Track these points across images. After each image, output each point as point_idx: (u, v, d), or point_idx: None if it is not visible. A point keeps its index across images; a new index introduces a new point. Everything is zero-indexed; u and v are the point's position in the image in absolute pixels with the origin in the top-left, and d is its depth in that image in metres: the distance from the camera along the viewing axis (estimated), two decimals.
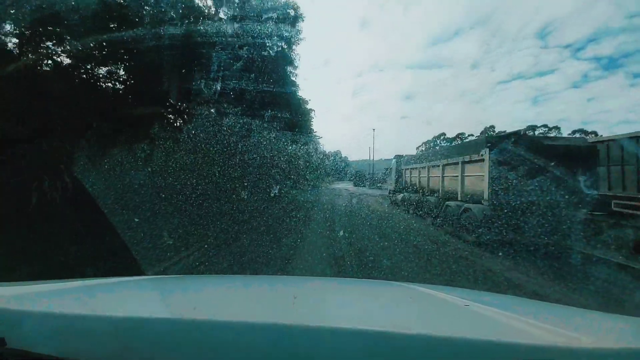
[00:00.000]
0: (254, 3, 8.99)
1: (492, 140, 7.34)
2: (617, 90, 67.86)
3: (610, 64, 68.87)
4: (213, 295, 1.32)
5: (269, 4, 9.21)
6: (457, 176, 8.34)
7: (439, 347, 0.71)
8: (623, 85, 67.72)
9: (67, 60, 5.89)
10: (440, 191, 9.49)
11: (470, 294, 1.51)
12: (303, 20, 9.82)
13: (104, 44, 5.85)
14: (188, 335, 0.75)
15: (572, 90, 72.71)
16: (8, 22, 5.43)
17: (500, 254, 6.01)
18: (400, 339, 0.73)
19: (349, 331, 0.76)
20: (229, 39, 8.44)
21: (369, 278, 4.41)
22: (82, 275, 3.87)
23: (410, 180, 12.80)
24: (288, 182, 14.10)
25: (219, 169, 8.55)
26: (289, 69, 11.00)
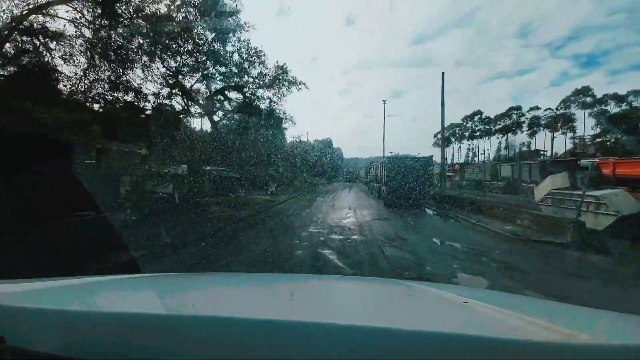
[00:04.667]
0: None
1: None
2: (595, 87, 68.18)
3: (590, 62, 69.44)
4: (211, 293, 1.32)
5: None
6: None
7: (436, 343, 0.71)
8: (601, 83, 68.53)
9: None
10: None
11: (467, 291, 1.51)
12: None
13: None
14: (187, 331, 0.75)
15: (552, 88, 73.31)
16: None
17: None
18: (397, 336, 0.73)
19: (346, 327, 0.76)
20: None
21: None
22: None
23: None
24: None
25: None
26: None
